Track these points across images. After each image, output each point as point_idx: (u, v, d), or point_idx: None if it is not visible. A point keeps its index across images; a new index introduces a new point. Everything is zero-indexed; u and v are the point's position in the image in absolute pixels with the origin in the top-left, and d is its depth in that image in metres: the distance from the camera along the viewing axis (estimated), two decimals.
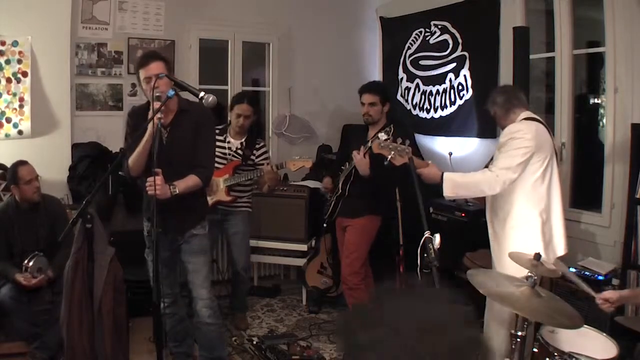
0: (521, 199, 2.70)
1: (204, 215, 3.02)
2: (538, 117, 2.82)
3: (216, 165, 3.51)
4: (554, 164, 2.76)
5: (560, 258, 2.84)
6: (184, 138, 2.84)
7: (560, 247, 2.77)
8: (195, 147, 2.89)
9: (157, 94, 2.59)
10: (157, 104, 2.57)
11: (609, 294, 2.33)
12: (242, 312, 4.18)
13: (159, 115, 2.53)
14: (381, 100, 3.54)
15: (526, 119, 2.75)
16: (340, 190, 3.65)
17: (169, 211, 2.67)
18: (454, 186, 2.65)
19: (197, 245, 2.94)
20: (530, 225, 2.71)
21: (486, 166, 2.96)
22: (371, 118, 3.56)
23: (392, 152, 2.61)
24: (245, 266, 4.11)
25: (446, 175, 2.65)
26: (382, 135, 2.70)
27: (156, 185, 2.55)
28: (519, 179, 2.66)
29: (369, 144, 3.34)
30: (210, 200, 3.84)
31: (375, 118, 3.56)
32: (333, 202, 3.71)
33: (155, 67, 2.70)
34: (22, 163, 3.42)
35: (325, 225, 3.98)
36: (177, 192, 2.72)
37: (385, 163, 2.63)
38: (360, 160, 3.38)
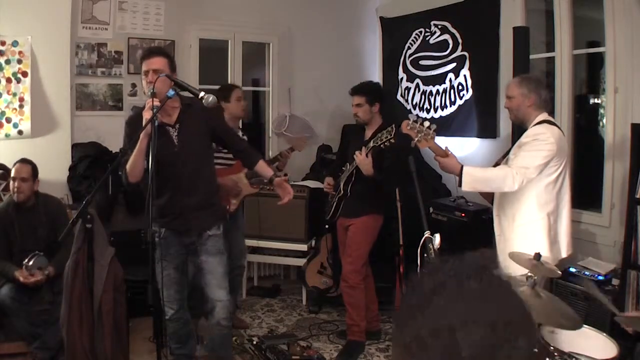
0: (532, 199, 2.71)
1: (223, 214, 3.01)
2: (555, 122, 2.83)
3: (221, 163, 3.59)
4: (567, 170, 2.77)
5: (565, 259, 2.85)
6: (195, 132, 2.84)
7: (564, 248, 2.80)
8: (225, 137, 3.03)
9: (151, 90, 2.59)
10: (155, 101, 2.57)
11: (632, 314, 2.34)
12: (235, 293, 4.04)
13: (154, 110, 2.53)
14: (368, 101, 3.53)
15: (548, 122, 2.74)
16: (342, 191, 3.65)
17: (191, 211, 2.71)
18: (472, 181, 2.65)
19: (213, 245, 2.90)
20: (537, 225, 2.72)
21: (497, 163, 2.96)
22: (359, 119, 3.58)
23: (419, 135, 2.66)
24: (245, 259, 4.19)
25: (466, 169, 2.65)
26: (412, 116, 2.74)
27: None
28: (534, 179, 2.66)
29: (371, 144, 3.36)
30: (239, 198, 3.85)
31: (363, 118, 3.57)
32: (335, 203, 3.71)
33: (157, 62, 2.69)
34: (22, 160, 3.44)
35: (327, 226, 3.98)
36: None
37: (412, 145, 2.70)
38: (362, 160, 3.38)
